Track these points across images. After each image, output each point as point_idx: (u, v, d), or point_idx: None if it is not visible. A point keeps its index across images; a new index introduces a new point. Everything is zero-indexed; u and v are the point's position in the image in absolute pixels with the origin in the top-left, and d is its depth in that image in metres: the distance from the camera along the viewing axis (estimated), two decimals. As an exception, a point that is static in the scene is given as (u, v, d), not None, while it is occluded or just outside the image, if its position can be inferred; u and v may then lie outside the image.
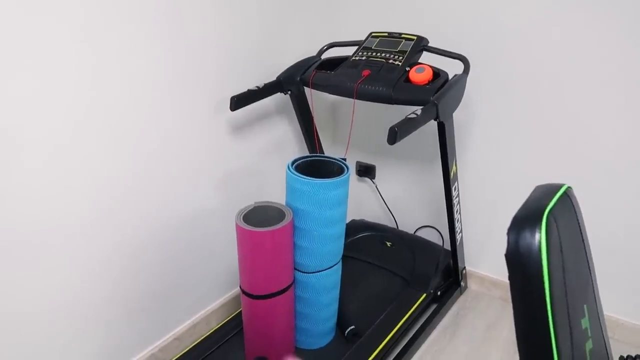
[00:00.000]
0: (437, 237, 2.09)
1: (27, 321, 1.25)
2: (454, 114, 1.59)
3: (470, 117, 1.83)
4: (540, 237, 0.54)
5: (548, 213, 0.57)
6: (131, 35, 1.29)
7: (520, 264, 0.55)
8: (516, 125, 1.74)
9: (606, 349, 0.69)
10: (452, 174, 1.62)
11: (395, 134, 1.24)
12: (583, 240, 0.66)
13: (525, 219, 0.56)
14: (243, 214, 1.37)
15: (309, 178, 1.35)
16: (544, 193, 0.62)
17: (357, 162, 2.22)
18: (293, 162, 1.43)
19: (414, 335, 1.72)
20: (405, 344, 1.67)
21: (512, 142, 1.77)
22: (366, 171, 2.20)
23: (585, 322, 0.62)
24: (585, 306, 0.63)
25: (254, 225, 1.33)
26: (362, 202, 2.29)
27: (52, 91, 1.16)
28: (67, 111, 1.20)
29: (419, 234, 2.14)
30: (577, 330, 0.59)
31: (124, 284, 1.46)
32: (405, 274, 1.91)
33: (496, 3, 1.65)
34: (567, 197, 0.63)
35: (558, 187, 0.63)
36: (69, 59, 1.17)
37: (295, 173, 1.37)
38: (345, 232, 2.09)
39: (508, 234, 0.57)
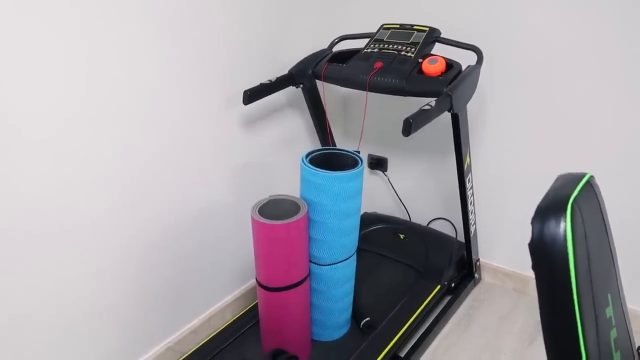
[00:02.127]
0: (450, 229, 2.09)
1: (43, 316, 1.27)
2: (467, 106, 1.58)
3: (483, 109, 1.82)
4: (565, 227, 0.54)
5: (572, 202, 0.56)
6: (140, 30, 1.29)
7: (546, 254, 0.55)
8: (529, 116, 1.73)
9: (630, 338, 0.69)
10: (465, 165, 1.61)
11: (410, 126, 1.24)
12: (606, 228, 0.66)
13: (549, 209, 0.56)
14: (258, 207, 1.37)
15: (324, 171, 1.35)
16: (566, 182, 0.62)
17: (369, 155, 2.22)
18: (307, 155, 1.43)
19: (428, 327, 1.72)
20: (420, 336, 1.68)
21: (526, 132, 1.76)
22: (378, 164, 2.20)
23: (609, 311, 0.62)
24: (609, 295, 0.63)
25: (269, 219, 1.34)
26: (374, 194, 2.29)
27: (63, 87, 1.17)
28: (78, 107, 1.21)
29: (431, 226, 2.14)
30: (602, 319, 0.59)
31: (140, 279, 1.48)
32: (419, 266, 1.92)
33: (509, -8, 1.63)
34: (590, 186, 0.63)
35: (581, 176, 0.63)
36: (79, 56, 1.18)
37: (310, 166, 1.38)
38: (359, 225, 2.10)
39: (532, 223, 0.56)
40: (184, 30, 1.40)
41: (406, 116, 1.26)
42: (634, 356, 0.67)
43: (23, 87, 1.09)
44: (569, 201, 0.56)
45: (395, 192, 2.20)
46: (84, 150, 1.24)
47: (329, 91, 2.07)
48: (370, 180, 2.27)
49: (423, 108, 1.30)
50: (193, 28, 1.42)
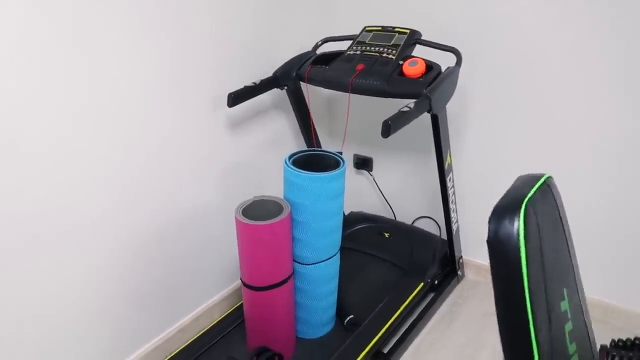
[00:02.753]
0: (434, 227, 2.13)
1: (36, 316, 1.29)
2: (449, 105, 1.61)
3: (465, 108, 1.86)
4: (518, 225, 0.58)
5: (527, 202, 0.60)
6: (127, 34, 1.32)
7: (500, 251, 0.58)
8: (511, 115, 1.77)
9: (587, 331, 0.73)
10: (446, 165, 1.65)
11: (388, 128, 1.27)
12: (563, 227, 0.69)
13: (505, 208, 0.60)
14: (242, 208, 1.40)
15: (306, 172, 1.38)
16: (524, 183, 0.65)
17: (355, 155, 2.25)
18: (290, 157, 1.46)
19: (411, 323, 1.76)
20: (403, 332, 1.71)
21: (507, 131, 1.80)
22: (363, 164, 2.23)
23: (564, 305, 0.66)
24: (564, 290, 0.67)
25: (253, 219, 1.36)
26: (360, 194, 2.32)
27: (54, 92, 1.19)
28: (70, 112, 1.23)
29: (416, 224, 2.17)
30: (555, 312, 0.63)
31: (130, 278, 1.50)
32: (403, 263, 1.95)
33: (488, -5, 1.67)
34: (547, 187, 0.67)
35: (538, 177, 0.67)
36: (68, 60, 1.20)
37: (292, 167, 1.41)
38: (344, 224, 2.12)
39: (489, 222, 0.60)
40: (171, 33, 1.42)
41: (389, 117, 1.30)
42: (591, 347, 0.71)
43: (25, 93, 1.12)
44: (524, 201, 0.60)
45: (381, 191, 2.23)
46: (78, 154, 1.27)
47: (314, 93, 2.10)
48: (356, 179, 2.31)
49: (402, 110, 1.33)
50: (179, 30, 1.44)
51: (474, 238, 2.04)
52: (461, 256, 2.03)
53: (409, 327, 1.74)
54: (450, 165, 1.69)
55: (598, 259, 1.76)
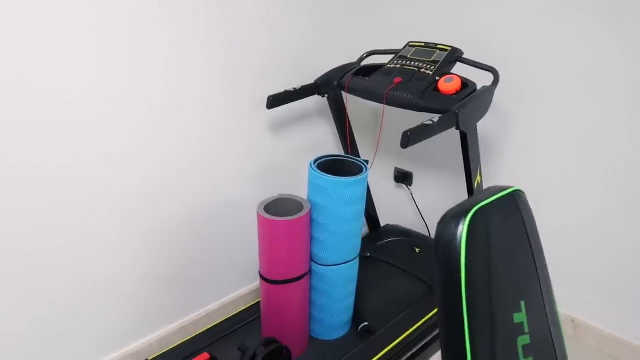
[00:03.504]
0: (468, 248, 2.09)
1: (77, 288, 1.45)
2: (486, 122, 1.59)
3: (505, 128, 1.82)
4: (462, 229, 0.60)
5: (477, 209, 0.62)
6: (189, 39, 1.46)
7: (444, 252, 0.60)
8: (551, 136, 1.72)
9: (554, 347, 0.72)
10: (475, 184, 1.63)
11: (407, 138, 1.30)
12: (529, 240, 0.69)
13: (455, 213, 0.62)
14: (265, 204, 1.48)
15: (327, 175, 1.43)
16: (486, 192, 0.66)
17: (396, 168, 2.27)
18: (316, 160, 1.52)
19: (428, 342, 1.73)
20: (418, 349, 1.70)
21: (544, 150, 1.74)
22: (404, 178, 2.24)
23: (520, 317, 0.66)
24: (522, 302, 0.67)
25: (273, 215, 1.44)
26: (398, 207, 2.33)
27: (130, 94, 1.36)
28: (141, 112, 1.41)
29: (450, 243, 2.14)
30: (504, 322, 0.63)
31: (166, 262, 1.64)
32: (430, 280, 1.93)
33: (540, 19, 1.65)
34: (512, 199, 0.67)
35: (503, 188, 0.68)
36: (140, 64, 1.36)
37: (316, 170, 1.47)
38: (378, 235, 2.15)
39: (438, 224, 0.62)
40: (227, 39, 1.55)
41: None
42: (551, 366, 0.70)
43: (95, 91, 1.30)
44: (474, 208, 0.62)
45: (417, 207, 2.23)
46: (129, 143, 1.44)
47: (361, 104, 2.15)
48: (395, 193, 2.32)
49: (425, 123, 1.35)
50: (234, 36, 1.57)
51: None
52: (492, 280, 1.97)
53: (424, 345, 1.72)
54: (480, 185, 1.67)
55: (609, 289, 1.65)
